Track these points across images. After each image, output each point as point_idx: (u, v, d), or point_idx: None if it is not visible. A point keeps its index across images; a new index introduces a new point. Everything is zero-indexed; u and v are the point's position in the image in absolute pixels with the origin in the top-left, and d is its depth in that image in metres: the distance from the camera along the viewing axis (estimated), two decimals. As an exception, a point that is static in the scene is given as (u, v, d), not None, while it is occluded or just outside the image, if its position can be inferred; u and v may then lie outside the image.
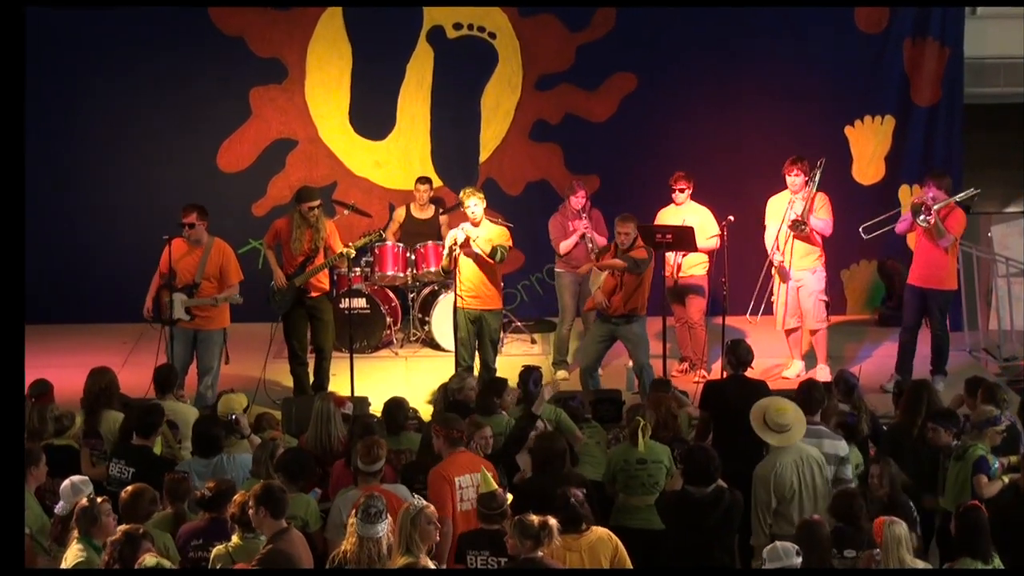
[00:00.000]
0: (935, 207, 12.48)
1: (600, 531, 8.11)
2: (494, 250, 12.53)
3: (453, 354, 12.89)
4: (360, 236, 12.95)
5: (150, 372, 11.65)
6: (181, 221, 12.18)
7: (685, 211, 13.31)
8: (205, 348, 12.29)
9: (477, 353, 12.90)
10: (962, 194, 12.92)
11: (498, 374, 12.29)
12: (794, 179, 13.04)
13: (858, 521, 8.35)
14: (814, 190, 13.03)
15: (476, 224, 12.60)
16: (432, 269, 13.86)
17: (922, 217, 12.54)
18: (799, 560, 7.63)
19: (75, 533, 7.97)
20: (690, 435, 10.39)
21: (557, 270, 13.84)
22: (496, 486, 8.09)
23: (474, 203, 12.60)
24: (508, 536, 7.64)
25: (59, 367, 12.66)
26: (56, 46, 14.86)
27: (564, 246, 13.51)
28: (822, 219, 13.03)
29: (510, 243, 12.84)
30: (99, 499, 8.04)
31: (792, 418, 9.03)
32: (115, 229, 15.02)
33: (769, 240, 13.28)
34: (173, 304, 12.11)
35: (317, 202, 12.55)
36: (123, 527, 7.72)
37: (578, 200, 13.49)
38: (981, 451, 9.21)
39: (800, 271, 13.15)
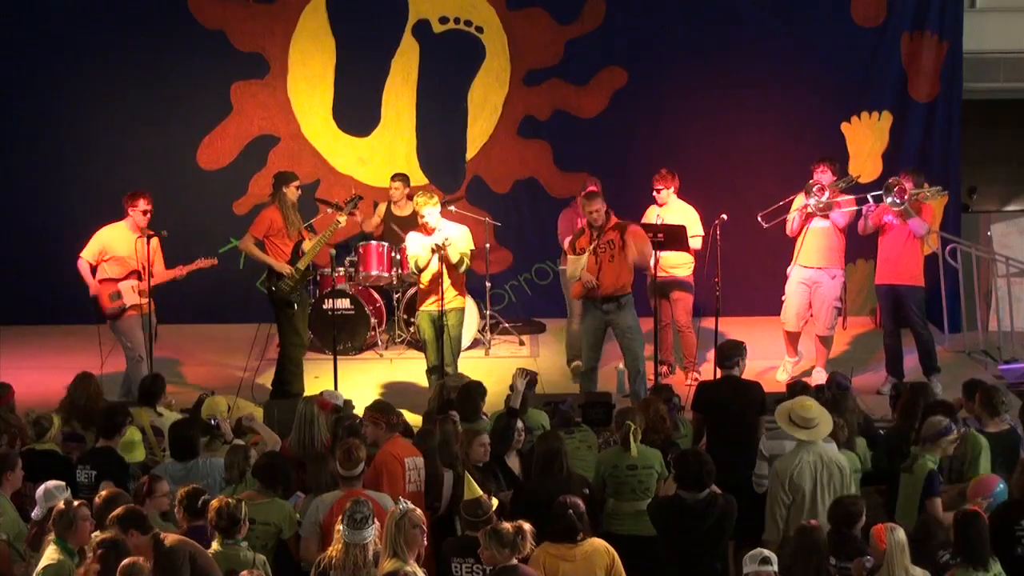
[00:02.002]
0: (912, 191, 12.40)
1: (597, 542, 8.00)
2: (460, 260, 12.20)
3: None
4: (343, 202, 12.85)
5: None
6: (142, 209, 12.12)
7: (665, 211, 13.06)
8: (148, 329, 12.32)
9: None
10: (931, 190, 12.74)
11: (486, 376, 12.07)
12: (820, 176, 12.88)
13: (852, 530, 8.23)
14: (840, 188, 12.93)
15: (430, 232, 12.14)
16: (417, 269, 13.61)
17: (892, 199, 12.42)
18: (768, 568, 7.54)
19: (51, 536, 7.84)
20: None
21: (562, 267, 13.49)
22: (480, 492, 7.96)
23: (429, 212, 12.07)
24: (482, 548, 7.51)
25: (32, 369, 12.57)
26: (25, 35, 14.68)
27: (568, 241, 13.06)
28: (842, 212, 12.88)
29: (472, 245, 12.41)
30: (76, 503, 7.91)
31: (817, 413, 9.00)
32: (90, 228, 14.67)
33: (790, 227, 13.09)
34: (120, 293, 12.11)
35: (299, 180, 12.57)
36: (107, 534, 7.55)
37: None
38: (931, 464, 9.06)
39: (818, 271, 12.94)
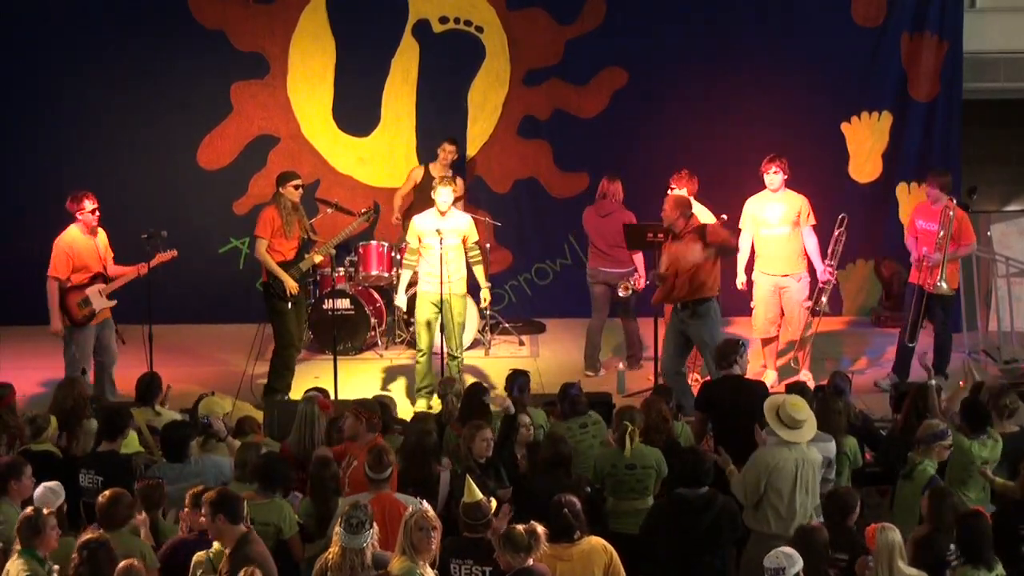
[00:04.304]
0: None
1: (595, 541, 7.96)
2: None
3: (438, 356, 12.58)
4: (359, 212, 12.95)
5: (128, 373, 11.48)
6: (90, 209, 11.97)
7: None
8: (109, 336, 12.21)
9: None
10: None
11: (484, 376, 12.09)
12: (772, 177, 12.86)
13: (847, 522, 8.29)
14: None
15: (443, 214, 12.37)
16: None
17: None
18: (798, 567, 7.43)
19: (16, 546, 7.74)
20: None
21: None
22: (480, 496, 7.92)
23: (447, 192, 12.39)
24: (498, 554, 7.50)
25: (33, 369, 12.54)
26: (25, 35, 14.66)
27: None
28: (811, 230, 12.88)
29: (476, 235, 12.68)
30: (45, 511, 7.84)
31: (807, 415, 8.90)
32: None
33: (745, 246, 12.98)
34: (89, 299, 11.99)
35: (300, 180, 12.51)
36: (91, 535, 7.57)
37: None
38: (931, 469, 9.04)
39: (785, 277, 12.90)
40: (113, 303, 12.06)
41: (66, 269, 11.92)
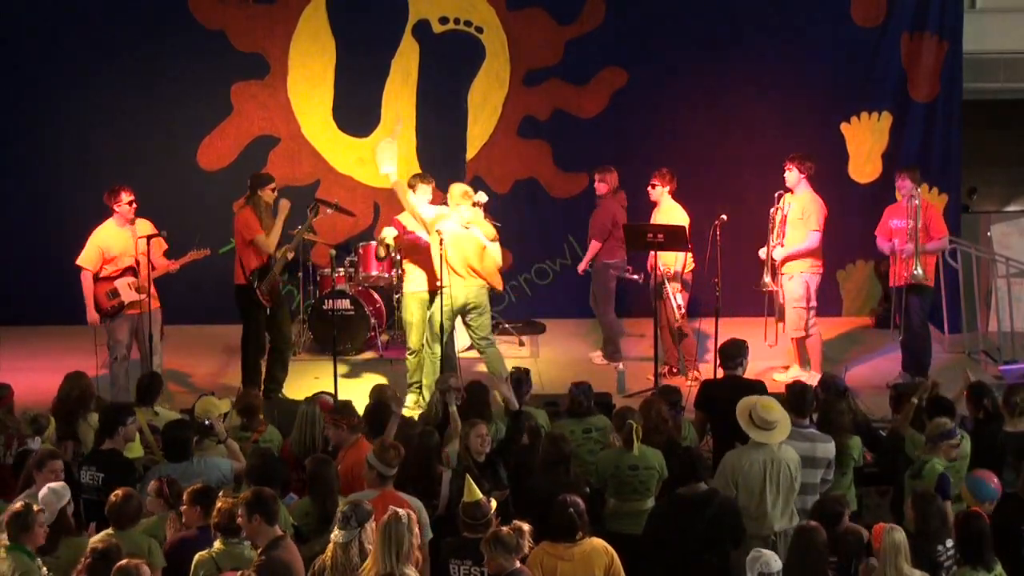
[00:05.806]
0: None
1: (596, 542, 7.99)
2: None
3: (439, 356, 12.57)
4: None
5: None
6: (127, 201, 12.01)
7: (657, 212, 13.09)
8: (142, 333, 12.17)
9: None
10: None
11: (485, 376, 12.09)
12: (787, 175, 12.83)
13: (834, 528, 8.28)
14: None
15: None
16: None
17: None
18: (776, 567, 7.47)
19: (3, 539, 7.75)
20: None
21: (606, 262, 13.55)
22: (480, 495, 7.93)
23: (426, 191, 12.48)
24: (487, 559, 7.49)
25: (34, 370, 12.58)
26: (26, 36, 14.70)
27: None
28: (810, 232, 12.72)
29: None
30: (35, 508, 7.85)
31: (779, 416, 8.90)
32: (90, 227, 14.68)
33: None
34: (117, 291, 12.00)
35: (275, 183, 12.42)
36: (99, 543, 7.56)
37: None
38: (940, 468, 9.04)
39: (782, 275, 12.89)
40: (142, 297, 12.02)
41: (96, 261, 12.00)
